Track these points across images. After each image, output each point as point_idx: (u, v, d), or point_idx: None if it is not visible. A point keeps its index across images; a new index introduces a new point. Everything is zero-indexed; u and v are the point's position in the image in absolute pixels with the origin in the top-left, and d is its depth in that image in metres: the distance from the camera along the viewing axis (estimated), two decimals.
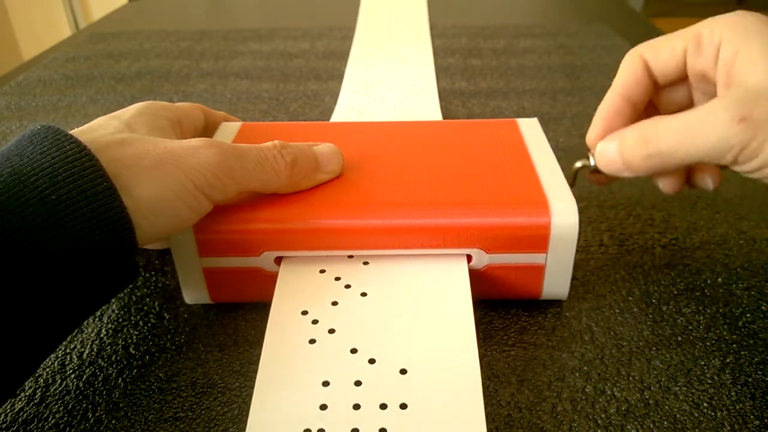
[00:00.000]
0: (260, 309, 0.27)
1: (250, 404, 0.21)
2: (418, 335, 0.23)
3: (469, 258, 0.27)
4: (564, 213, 0.25)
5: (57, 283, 0.20)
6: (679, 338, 0.27)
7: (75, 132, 0.24)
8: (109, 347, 0.27)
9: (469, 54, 0.61)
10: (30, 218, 0.20)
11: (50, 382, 0.25)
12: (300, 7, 0.82)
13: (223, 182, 0.24)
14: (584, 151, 0.30)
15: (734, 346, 0.26)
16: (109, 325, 0.28)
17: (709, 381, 0.25)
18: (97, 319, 0.28)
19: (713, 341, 0.26)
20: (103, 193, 0.21)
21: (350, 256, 0.27)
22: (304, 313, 0.25)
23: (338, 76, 0.55)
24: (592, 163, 0.27)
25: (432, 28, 0.68)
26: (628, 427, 0.23)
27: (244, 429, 0.20)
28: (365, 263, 0.27)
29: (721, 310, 0.28)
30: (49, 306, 0.21)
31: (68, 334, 0.23)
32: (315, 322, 0.24)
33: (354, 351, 0.23)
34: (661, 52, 0.27)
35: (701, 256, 0.32)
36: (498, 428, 0.23)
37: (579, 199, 0.28)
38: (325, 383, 0.22)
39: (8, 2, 1.91)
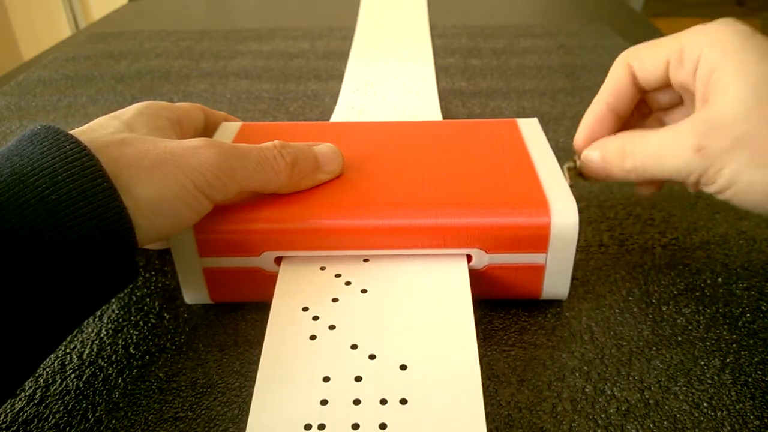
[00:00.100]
0: (260, 309, 0.27)
1: (250, 404, 0.21)
2: (418, 335, 0.23)
3: (469, 258, 0.27)
4: (564, 213, 0.25)
5: (57, 283, 0.20)
6: (679, 338, 0.27)
7: (75, 132, 0.24)
8: (109, 347, 0.27)
9: (469, 54, 0.61)
10: (30, 218, 0.20)
11: (50, 382, 0.25)
12: (300, 7, 0.82)
13: (223, 182, 0.24)
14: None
15: (734, 346, 0.26)
16: (109, 325, 0.28)
17: (709, 381, 0.25)
18: (97, 319, 0.28)
19: (713, 341, 0.26)
20: (103, 193, 0.21)
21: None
22: (305, 309, 0.25)
23: (338, 76, 0.55)
24: (577, 164, 0.29)
25: (432, 28, 0.68)
26: (628, 427, 0.23)
27: (244, 429, 0.20)
28: (365, 260, 0.27)
29: (721, 310, 0.28)
30: (49, 306, 0.21)
31: (68, 334, 0.23)
32: (315, 318, 0.24)
33: (354, 347, 0.23)
34: (646, 62, 0.28)
35: (701, 256, 0.32)
36: (498, 428, 0.23)
37: (579, 199, 0.28)
38: (326, 379, 0.22)
39: (8, 2, 1.91)
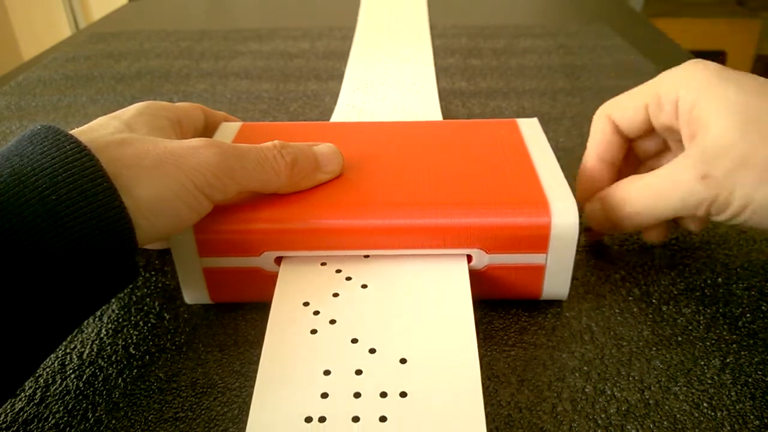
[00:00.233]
0: (260, 309, 0.27)
1: (250, 404, 0.21)
2: (418, 334, 0.23)
3: (469, 258, 0.27)
4: (564, 213, 0.25)
5: (57, 283, 0.20)
6: (679, 338, 0.27)
7: (75, 132, 0.24)
8: (109, 347, 0.27)
9: (469, 54, 0.61)
10: (30, 218, 0.20)
11: (50, 382, 0.25)
12: (300, 7, 0.82)
13: (223, 182, 0.24)
14: (583, 152, 0.30)
15: (734, 346, 0.26)
16: (109, 325, 0.28)
17: (709, 381, 0.25)
18: (97, 319, 0.28)
19: (713, 341, 0.26)
20: (103, 193, 0.21)
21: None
22: (306, 304, 0.25)
23: (338, 76, 0.55)
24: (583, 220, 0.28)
25: (432, 28, 0.68)
26: (628, 427, 0.23)
27: (244, 429, 0.20)
28: (366, 256, 0.27)
29: (721, 310, 0.28)
30: (49, 306, 0.21)
31: (68, 334, 0.23)
32: (316, 313, 0.24)
33: (354, 341, 0.23)
34: (625, 112, 0.29)
35: (701, 256, 0.32)
36: (498, 428, 0.23)
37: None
38: (327, 372, 0.22)
39: (8, 2, 1.91)
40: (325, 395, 0.21)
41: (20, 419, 0.23)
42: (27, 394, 0.24)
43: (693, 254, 0.32)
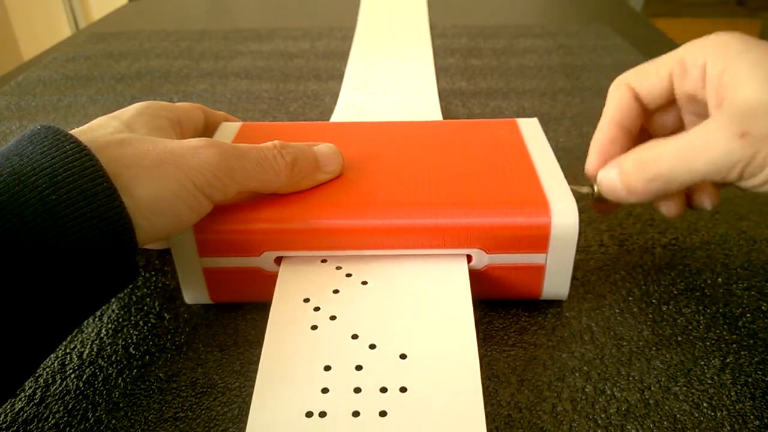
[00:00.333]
0: (260, 309, 0.27)
1: (250, 404, 0.21)
2: (418, 334, 0.23)
3: (469, 258, 0.27)
4: (564, 213, 0.25)
5: (57, 283, 0.20)
6: (679, 338, 0.27)
7: (75, 132, 0.24)
8: (109, 347, 0.27)
9: (469, 54, 0.61)
10: (30, 218, 0.20)
11: (50, 382, 0.25)
12: (300, 7, 0.82)
13: (223, 182, 0.24)
14: (584, 152, 0.30)
15: (734, 346, 0.26)
16: (109, 325, 0.28)
17: (709, 381, 0.25)
18: (97, 319, 0.28)
19: (713, 341, 0.26)
20: (103, 193, 0.21)
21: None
22: (306, 300, 0.25)
23: (338, 76, 0.55)
24: (595, 190, 0.27)
25: (432, 28, 0.68)
26: (628, 427, 0.23)
27: (244, 429, 0.20)
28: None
29: (721, 310, 0.28)
30: (49, 306, 0.21)
31: (68, 334, 0.23)
32: (317, 309, 0.25)
33: (355, 337, 0.23)
34: (647, 79, 0.28)
35: (701, 256, 0.32)
36: (498, 428, 0.23)
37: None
38: (327, 368, 0.22)
39: (8, 2, 1.91)
40: (325, 390, 0.21)
41: (20, 419, 0.23)
42: (27, 394, 0.24)
43: (693, 254, 0.32)
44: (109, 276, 0.22)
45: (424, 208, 0.26)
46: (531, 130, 0.32)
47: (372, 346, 0.23)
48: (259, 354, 0.23)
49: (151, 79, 0.57)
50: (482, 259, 0.26)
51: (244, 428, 0.20)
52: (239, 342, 0.27)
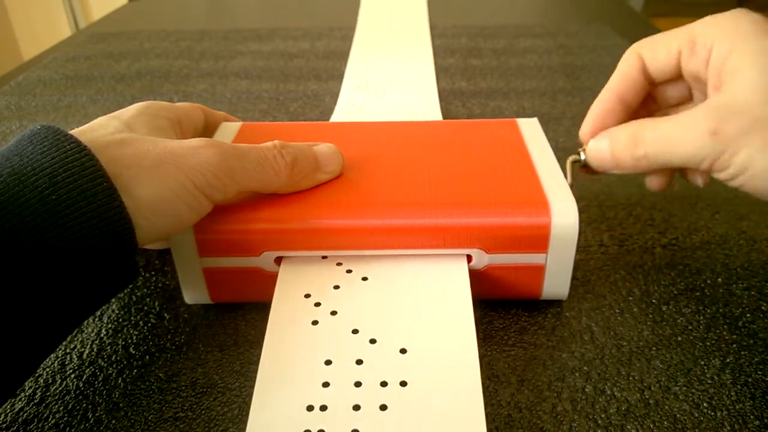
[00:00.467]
0: (260, 309, 0.27)
1: (250, 404, 0.21)
2: (418, 333, 0.23)
3: (469, 258, 0.27)
4: (564, 213, 0.25)
5: (57, 283, 0.20)
6: (679, 338, 0.27)
7: (75, 132, 0.24)
8: (109, 347, 0.27)
9: (469, 54, 0.61)
10: (30, 218, 0.20)
11: (50, 382, 0.25)
12: (300, 7, 0.82)
13: (223, 182, 0.24)
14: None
15: (734, 346, 0.26)
16: (109, 325, 0.28)
17: (709, 381, 0.25)
18: (97, 319, 0.28)
19: (713, 341, 0.26)
20: (103, 193, 0.21)
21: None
22: (307, 296, 0.25)
23: (338, 76, 0.55)
24: (582, 157, 0.28)
25: (432, 28, 0.68)
26: (628, 427, 0.23)
27: (244, 429, 0.20)
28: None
29: (721, 310, 0.28)
30: (49, 306, 0.21)
31: (68, 334, 0.23)
32: (317, 304, 0.25)
33: (355, 332, 0.24)
34: (657, 52, 0.28)
35: (701, 256, 0.32)
36: (498, 428, 0.23)
37: (579, 199, 0.28)
38: (328, 362, 0.22)
39: (8, 2, 1.91)
40: (326, 384, 0.22)
41: (20, 419, 0.23)
42: (27, 394, 0.24)
43: (693, 254, 0.32)
44: (109, 276, 0.22)
45: (424, 208, 0.26)
46: (531, 130, 0.32)
47: (372, 341, 0.23)
48: (259, 354, 0.23)
49: (151, 79, 0.57)
50: (482, 259, 0.26)
51: (244, 428, 0.20)
52: (239, 342, 0.27)
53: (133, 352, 0.27)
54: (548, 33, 0.67)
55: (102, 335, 0.27)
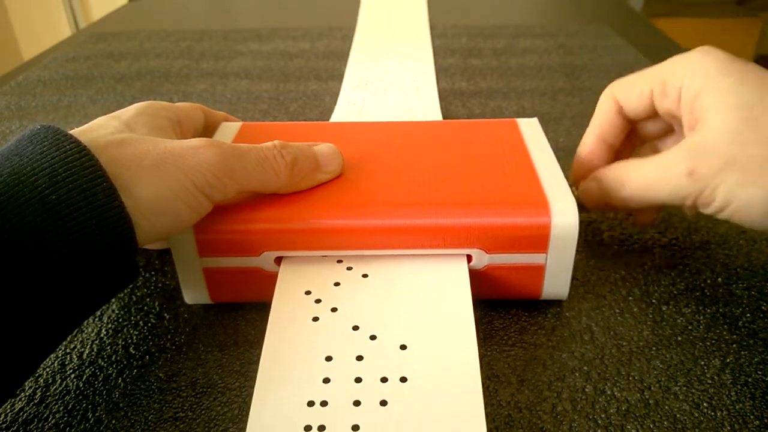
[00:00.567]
0: (260, 309, 0.27)
1: (250, 404, 0.21)
2: (418, 332, 0.23)
3: (469, 258, 0.27)
4: (564, 213, 0.25)
5: (57, 283, 0.20)
6: (679, 338, 0.27)
7: (75, 132, 0.24)
8: (109, 347, 0.27)
9: (469, 54, 0.61)
10: (30, 218, 0.20)
11: (50, 382, 0.25)
12: (300, 7, 0.82)
13: (223, 182, 0.24)
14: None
15: (734, 346, 0.26)
16: (109, 325, 0.28)
17: (709, 381, 0.25)
18: (97, 319, 0.28)
19: (713, 341, 0.26)
20: (103, 193, 0.21)
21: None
22: (308, 293, 0.25)
23: (338, 76, 0.55)
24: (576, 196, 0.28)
25: (432, 28, 0.68)
26: (628, 427, 0.23)
27: (244, 429, 0.20)
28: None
29: (721, 310, 0.28)
30: (49, 306, 0.21)
31: (68, 334, 0.23)
32: (318, 301, 0.25)
33: (356, 328, 0.24)
34: (631, 94, 0.29)
35: (701, 256, 0.32)
36: (498, 428, 0.23)
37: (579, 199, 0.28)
38: (328, 358, 0.22)
39: (8, 2, 1.91)
40: (326, 380, 0.22)
41: (20, 419, 0.23)
42: (27, 394, 0.24)
43: (693, 254, 0.32)
44: (109, 276, 0.22)
45: (424, 208, 0.26)
46: (531, 130, 0.32)
47: (372, 338, 0.23)
48: (259, 354, 0.23)
49: (151, 79, 0.57)
50: (482, 259, 0.26)
51: (244, 428, 0.20)
52: (239, 342, 0.27)
53: (133, 352, 0.27)
54: (548, 33, 0.67)
55: (102, 335, 0.27)
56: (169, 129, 0.27)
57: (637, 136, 0.32)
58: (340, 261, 0.27)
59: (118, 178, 0.22)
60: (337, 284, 0.26)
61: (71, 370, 0.26)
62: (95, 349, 0.27)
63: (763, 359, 0.25)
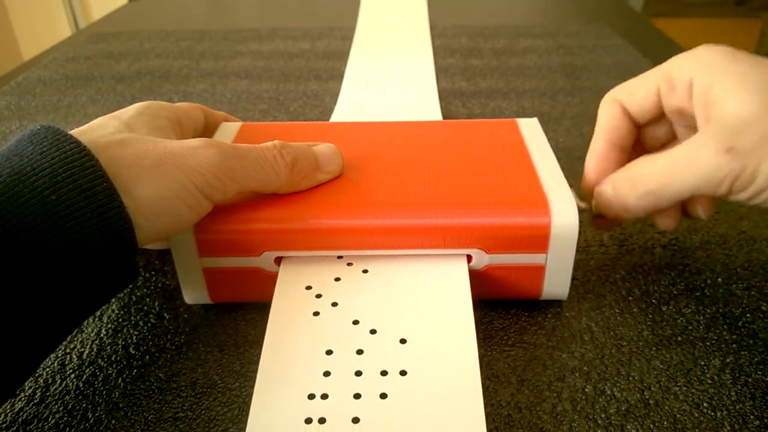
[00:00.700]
0: (260, 309, 0.27)
1: (250, 404, 0.21)
2: (417, 328, 0.23)
3: (469, 258, 0.27)
4: (564, 213, 0.25)
5: (57, 283, 0.20)
6: (679, 338, 0.27)
7: (75, 132, 0.24)
8: (109, 347, 0.27)
9: (469, 54, 0.61)
10: (30, 218, 0.20)
11: (50, 382, 0.25)
12: (300, 7, 0.82)
13: (223, 182, 0.24)
14: (584, 152, 0.30)
15: (734, 346, 0.26)
16: (109, 325, 0.28)
17: (709, 381, 0.25)
18: (97, 319, 0.28)
19: (713, 341, 0.26)
20: (103, 193, 0.21)
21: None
22: (308, 288, 0.25)
23: (338, 76, 0.55)
24: (593, 206, 0.28)
25: (432, 28, 0.68)
26: (628, 427, 0.23)
27: (244, 429, 0.20)
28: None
29: (721, 310, 0.28)
30: (49, 306, 0.21)
31: (68, 334, 0.23)
32: (318, 296, 0.25)
33: (356, 322, 0.24)
34: (635, 94, 0.28)
35: (701, 256, 0.32)
36: (498, 428, 0.23)
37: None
38: (329, 352, 0.23)
39: (8, 2, 1.91)
40: (327, 373, 0.22)
41: (20, 419, 0.23)
42: (27, 394, 0.24)
43: (693, 254, 0.32)
44: (109, 276, 0.22)
45: (424, 208, 0.26)
46: (531, 130, 0.32)
47: (373, 332, 0.23)
48: (259, 354, 0.23)
49: (151, 79, 0.57)
50: (482, 259, 0.26)
51: (244, 428, 0.20)
52: (239, 342, 0.27)
53: (133, 352, 0.27)
54: (548, 33, 0.67)
55: (102, 335, 0.27)
56: (169, 129, 0.27)
57: (641, 147, 0.30)
58: (340, 257, 0.27)
59: (118, 178, 0.22)
60: (337, 279, 0.26)
61: (71, 370, 0.26)
62: (95, 349, 0.27)
63: (763, 359, 0.25)
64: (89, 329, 0.28)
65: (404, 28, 0.66)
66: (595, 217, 0.28)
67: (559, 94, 0.52)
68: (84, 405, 0.24)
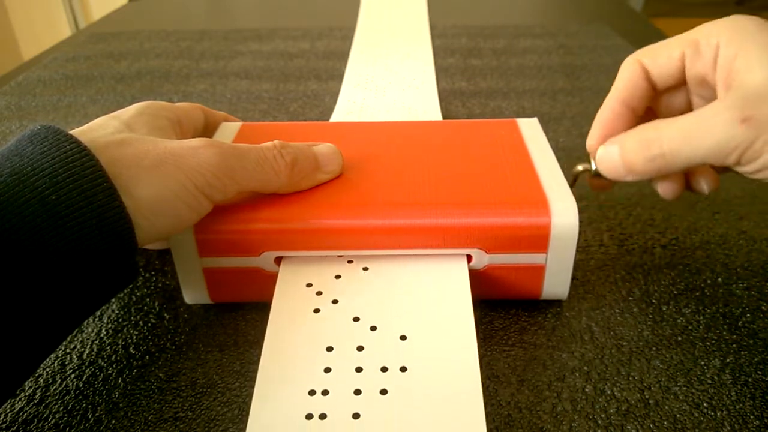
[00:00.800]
0: (260, 309, 0.27)
1: (250, 404, 0.21)
2: (417, 326, 0.23)
3: (469, 258, 0.27)
4: (564, 213, 0.25)
5: (57, 283, 0.20)
6: (679, 338, 0.27)
7: (75, 132, 0.24)
8: (109, 347, 0.27)
9: (469, 54, 0.61)
10: (30, 218, 0.20)
11: (50, 382, 0.25)
12: (300, 7, 0.82)
13: (223, 182, 0.24)
14: (584, 152, 0.30)
15: (734, 346, 0.26)
16: (109, 325, 0.28)
17: (709, 381, 0.25)
18: (97, 319, 0.28)
19: (713, 341, 0.26)
20: (103, 193, 0.21)
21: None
22: (309, 285, 0.26)
23: (338, 76, 0.55)
24: (593, 167, 0.27)
25: (432, 28, 0.68)
26: (628, 427, 0.23)
27: (244, 429, 0.20)
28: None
29: (721, 310, 0.28)
30: (49, 306, 0.21)
31: (68, 334, 0.23)
32: (319, 293, 0.25)
33: (356, 319, 0.24)
34: (659, 57, 0.27)
35: (701, 256, 0.32)
36: (498, 428, 0.23)
37: (579, 199, 0.28)
38: (329, 348, 0.23)
39: (8, 2, 1.91)
40: (327, 370, 0.22)
41: (20, 419, 0.23)
42: (27, 394, 0.24)
43: (693, 254, 0.32)
44: (109, 276, 0.22)
45: (424, 208, 0.26)
46: (531, 130, 0.32)
47: (373, 328, 0.24)
48: (259, 354, 0.23)
49: (151, 79, 0.57)
50: (482, 259, 0.26)
51: (244, 428, 0.20)
52: (239, 342, 0.27)
53: (133, 352, 0.27)
54: (548, 33, 0.67)
55: (102, 335, 0.27)
56: (169, 129, 0.27)
57: (653, 116, 0.29)
58: (341, 255, 0.27)
59: (118, 178, 0.22)
60: (338, 277, 0.26)
61: (71, 370, 0.26)
62: (95, 349, 0.27)
63: (763, 359, 0.25)
64: (89, 329, 0.28)
65: (404, 28, 0.66)
66: (593, 177, 0.28)
67: (559, 94, 0.52)
68: (84, 405, 0.24)
